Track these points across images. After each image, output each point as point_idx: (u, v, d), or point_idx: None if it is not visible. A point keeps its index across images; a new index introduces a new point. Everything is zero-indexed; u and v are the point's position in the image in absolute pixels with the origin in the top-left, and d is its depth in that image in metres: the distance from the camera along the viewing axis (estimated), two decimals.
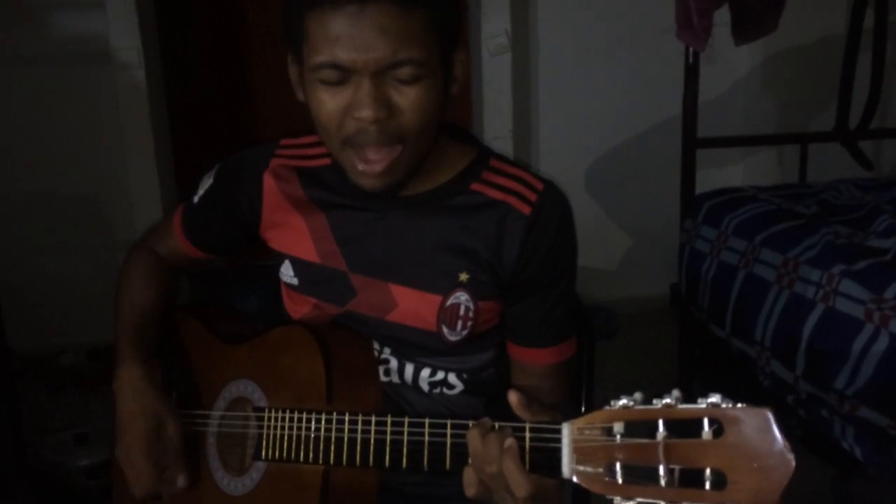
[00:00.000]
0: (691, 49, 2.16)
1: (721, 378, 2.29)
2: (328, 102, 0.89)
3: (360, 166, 0.91)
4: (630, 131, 3.09)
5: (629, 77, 3.03)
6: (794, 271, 1.81)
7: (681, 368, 2.36)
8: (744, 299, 1.93)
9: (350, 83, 0.87)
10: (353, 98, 0.87)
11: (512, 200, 0.99)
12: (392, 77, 0.87)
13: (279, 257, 1.08)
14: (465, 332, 1.01)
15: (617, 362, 2.74)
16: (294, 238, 1.06)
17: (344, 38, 0.85)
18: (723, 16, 2.17)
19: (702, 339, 2.27)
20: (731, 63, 2.96)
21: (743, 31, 2.22)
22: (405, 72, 0.87)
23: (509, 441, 0.79)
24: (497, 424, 0.82)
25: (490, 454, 0.80)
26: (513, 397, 0.82)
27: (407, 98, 0.88)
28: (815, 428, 1.73)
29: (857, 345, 1.59)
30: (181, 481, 1.01)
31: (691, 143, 2.26)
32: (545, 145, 3.11)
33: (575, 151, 3.09)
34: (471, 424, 0.84)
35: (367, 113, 0.87)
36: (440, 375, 1.05)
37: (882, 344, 1.57)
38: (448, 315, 1.00)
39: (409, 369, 1.05)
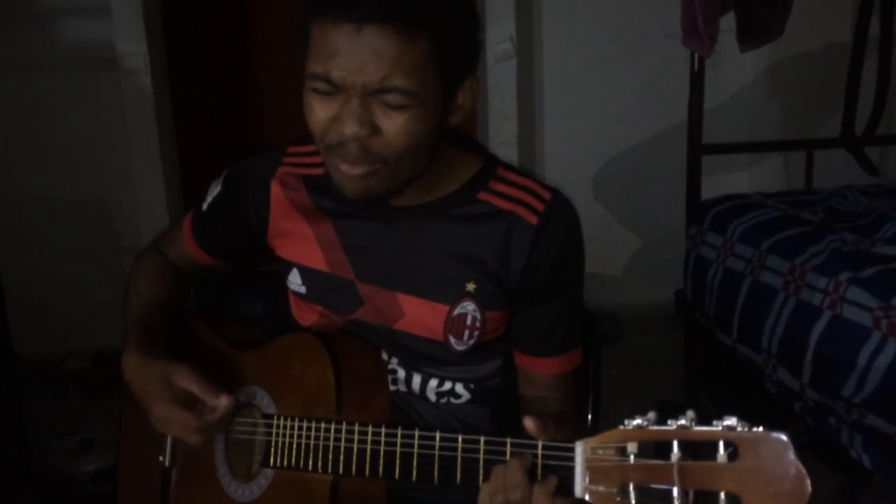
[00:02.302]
0: (697, 55, 2.16)
1: (726, 385, 2.28)
2: (317, 110, 0.90)
3: (343, 167, 0.91)
4: (634, 137, 3.09)
5: (634, 83, 3.03)
6: (800, 278, 1.80)
7: (686, 375, 2.35)
8: (750, 306, 1.93)
9: (339, 96, 0.88)
10: (340, 112, 0.88)
11: (519, 210, 0.99)
12: (380, 100, 0.87)
13: (287, 265, 1.08)
14: (471, 342, 1.01)
15: (621, 369, 2.73)
16: (302, 246, 1.06)
17: (339, 55, 0.85)
18: (728, 22, 2.17)
19: (707, 346, 2.26)
20: (735, 69, 2.96)
21: (749, 37, 2.22)
22: (393, 98, 0.86)
23: (553, 480, 0.79)
24: (511, 441, 0.82)
25: (514, 479, 0.80)
26: (529, 424, 0.81)
27: (392, 122, 0.88)
28: (822, 436, 1.73)
29: (865, 352, 1.58)
30: (223, 402, 0.97)
31: (697, 150, 2.26)
32: (550, 151, 3.11)
33: (579, 157, 3.08)
34: (482, 442, 0.83)
35: (349, 129, 0.87)
36: (447, 385, 1.05)
37: (890, 352, 1.56)
38: (455, 325, 1.00)
39: (417, 380, 1.05)
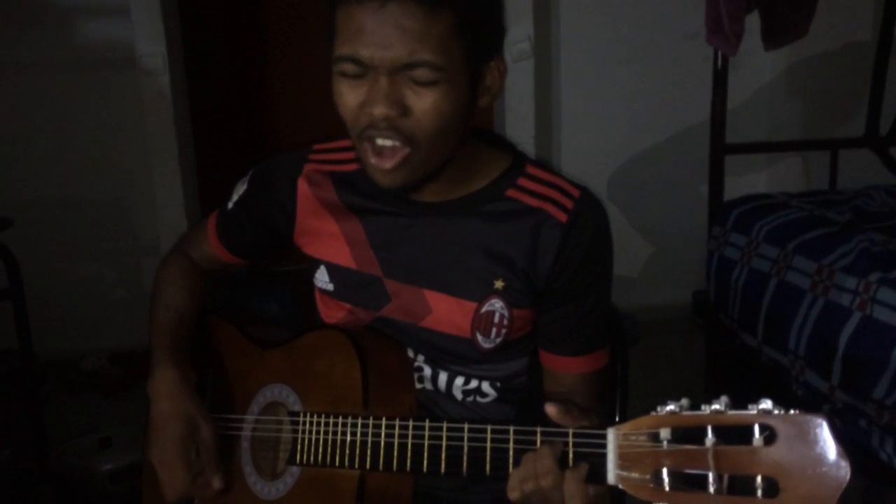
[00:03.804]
0: (720, 54, 2.14)
1: (748, 387, 2.25)
2: (346, 95, 0.90)
3: (373, 160, 0.91)
4: (652, 138, 3.07)
5: (652, 83, 3.02)
6: (828, 279, 1.78)
7: (707, 377, 2.33)
8: (776, 307, 1.91)
9: (367, 78, 0.88)
10: (369, 93, 0.88)
11: (548, 207, 0.98)
12: (409, 77, 0.87)
13: (314, 263, 1.07)
14: (499, 340, 1.00)
15: (639, 371, 2.70)
16: (329, 244, 1.05)
17: (365, 34, 0.85)
18: (749, 21, 2.15)
19: (727, 348, 2.24)
20: (755, 69, 2.94)
21: (773, 36, 2.20)
22: (421, 73, 0.86)
23: (584, 466, 0.78)
24: (541, 430, 0.81)
25: (545, 466, 0.79)
26: (550, 409, 0.81)
27: (421, 100, 0.87)
28: (851, 438, 1.70)
29: None
30: (216, 484, 1.01)
31: (720, 150, 2.24)
32: (568, 151, 3.09)
33: (597, 158, 3.07)
34: (512, 431, 0.82)
35: (378, 109, 0.87)
36: (473, 384, 1.04)
37: None
38: (482, 322, 0.99)
39: (443, 377, 1.04)
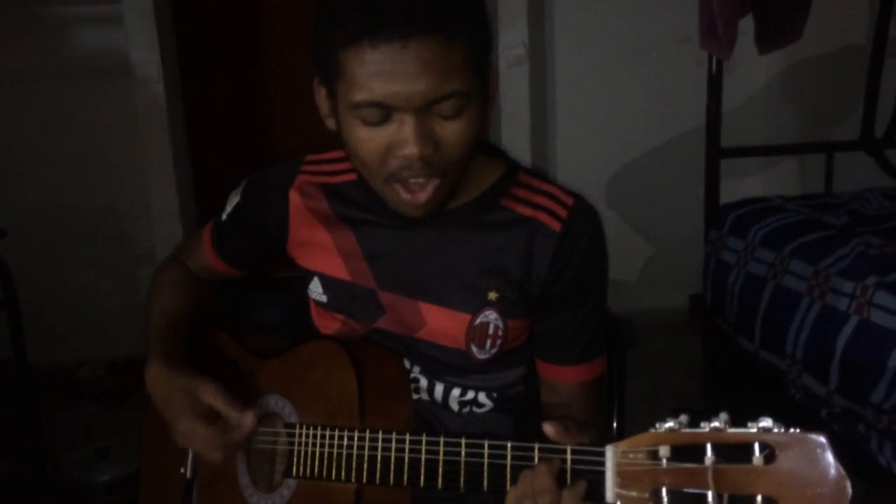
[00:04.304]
0: (714, 58, 2.14)
1: (746, 391, 2.25)
2: (370, 141, 0.87)
3: (406, 196, 0.90)
4: (648, 142, 3.07)
5: (647, 87, 3.02)
6: (825, 283, 1.78)
7: (705, 381, 2.33)
8: (773, 311, 1.90)
9: (392, 120, 0.85)
10: (397, 135, 0.85)
11: (541, 216, 0.97)
12: (435, 112, 0.85)
13: (307, 274, 1.07)
14: (494, 351, 1.00)
15: (636, 374, 2.69)
16: (322, 255, 1.05)
17: (386, 76, 0.82)
18: (743, 25, 2.15)
19: (724, 351, 2.24)
20: (750, 73, 2.94)
21: (767, 40, 2.20)
22: (449, 106, 0.85)
23: (583, 484, 0.77)
24: (539, 446, 0.80)
25: (543, 484, 0.78)
26: (549, 429, 0.80)
27: (451, 131, 0.86)
28: (849, 443, 1.70)
29: (895, 357, 1.56)
30: (248, 421, 0.96)
31: (715, 154, 2.24)
32: (563, 156, 3.09)
33: (593, 163, 3.07)
34: (509, 448, 0.81)
35: (413, 150, 0.85)
36: (470, 394, 1.04)
37: None
38: (477, 334, 0.99)
39: (440, 388, 1.03)
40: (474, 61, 0.87)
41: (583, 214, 0.98)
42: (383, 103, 0.84)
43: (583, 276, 0.98)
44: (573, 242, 0.97)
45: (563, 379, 1.02)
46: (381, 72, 0.82)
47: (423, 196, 0.89)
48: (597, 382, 1.04)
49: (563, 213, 0.97)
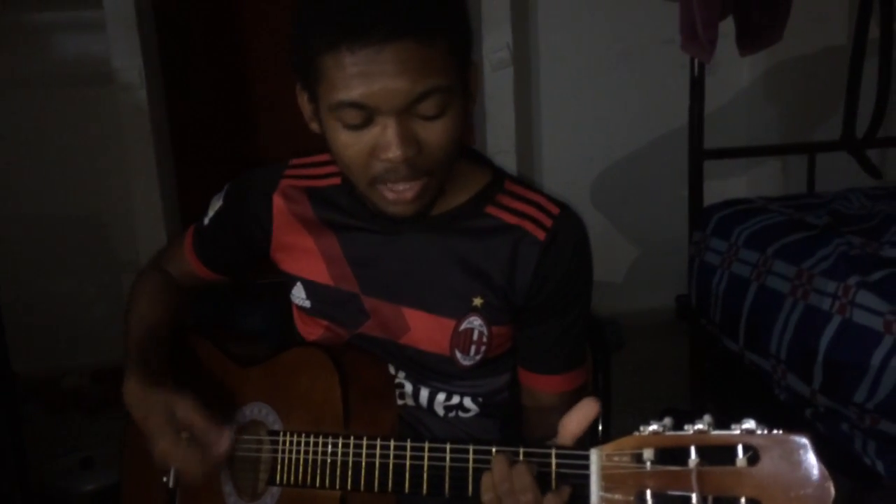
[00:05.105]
0: (696, 61, 2.15)
1: (732, 391, 2.26)
2: (353, 145, 0.87)
3: (391, 196, 0.89)
4: (632, 144, 3.09)
5: (631, 89, 3.03)
6: (808, 283, 1.78)
7: (691, 381, 2.33)
8: (757, 312, 1.91)
9: (374, 123, 0.85)
10: (380, 139, 0.85)
11: (526, 225, 0.97)
12: (416, 113, 0.85)
13: (290, 279, 1.06)
14: (478, 357, 1.00)
15: (624, 375, 2.71)
16: (305, 260, 1.04)
17: (364, 76, 0.82)
18: (724, 27, 2.17)
19: (710, 352, 2.25)
20: (732, 74, 2.96)
21: (748, 42, 2.21)
22: (430, 105, 0.84)
23: (567, 490, 0.77)
24: (523, 449, 0.80)
25: (525, 483, 0.77)
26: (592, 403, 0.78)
27: (433, 132, 0.86)
28: (834, 442, 1.71)
29: (877, 357, 1.57)
30: (226, 441, 0.95)
31: (698, 155, 2.25)
32: (548, 159, 3.10)
33: (578, 165, 3.08)
34: (494, 451, 0.81)
35: (396, 154, 0.84)
36: (455, 400, 1.04)
37: None
38: (461, 340, 0.99)
39: (425, 394, 1.03)
40: (454, 59, 0.86)
41: (568, 224, 0.98)
42: (363, 104, 0.84)
43: (566, 286, 0.98)
44: (557, 252, 0.96)
45: (545, 388, 1.02)
46: (360, 73, 0.82)
47: (409, 194, 0.89)
48: (577, 393, 1.03)
49: (548, 222, 0.97)
